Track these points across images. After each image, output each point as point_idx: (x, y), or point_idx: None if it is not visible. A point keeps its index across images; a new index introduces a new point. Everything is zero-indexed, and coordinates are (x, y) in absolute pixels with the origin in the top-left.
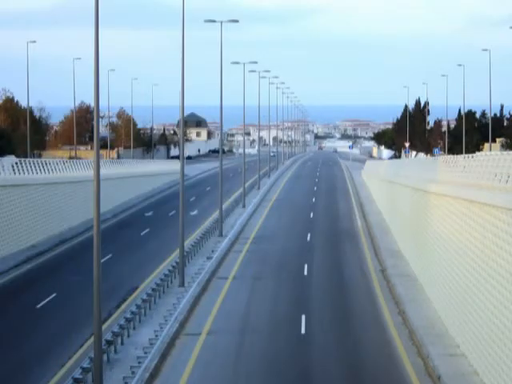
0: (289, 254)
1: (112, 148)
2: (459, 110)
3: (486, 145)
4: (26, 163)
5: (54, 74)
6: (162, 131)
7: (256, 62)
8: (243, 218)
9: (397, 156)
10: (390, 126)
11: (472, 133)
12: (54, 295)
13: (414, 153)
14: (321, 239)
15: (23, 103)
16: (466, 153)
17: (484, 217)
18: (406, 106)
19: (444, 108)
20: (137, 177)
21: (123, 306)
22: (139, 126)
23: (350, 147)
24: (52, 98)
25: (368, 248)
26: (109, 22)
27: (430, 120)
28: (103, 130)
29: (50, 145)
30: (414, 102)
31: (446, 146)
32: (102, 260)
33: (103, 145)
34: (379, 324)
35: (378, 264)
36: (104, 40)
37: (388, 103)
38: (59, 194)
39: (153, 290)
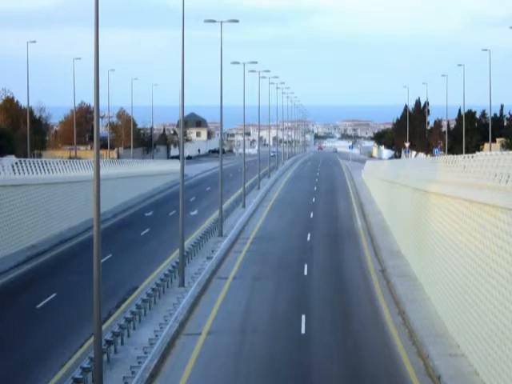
0: (289, 253)
1: (112, 148)
2: (459, 110)
3: (486, 145)
4: (26, 163)
5: (54, 74)
6: (162, 131)
7: (256, 62)
8: (243, 218)
9: (397, 156)
10: (390, 126)
11: (472, 133)
12: (54, 295)
13: (413, 153)
14: (321, 239)
15: (23, 103)
16: (466, 153)
17: (484, 217)
18: (406, 106)
19: (444, 108)
20: (137, 177)
21: (123, 306)
22: (139, 126)
23: (350, 147)
24: (52, 98)
25: (368, 248)
26: (109, 22)
27: (430, 120)
28: (103, 129)
29: (50, 145)
30: (414, 102)
31: (445, 145)
32: (102, 260)
33: (103, 145)
34: (379, 324)
35: (377, 264)
36: (104, 40)
37: (388, 103)
38: (59, 194)
39: (153, 290)
